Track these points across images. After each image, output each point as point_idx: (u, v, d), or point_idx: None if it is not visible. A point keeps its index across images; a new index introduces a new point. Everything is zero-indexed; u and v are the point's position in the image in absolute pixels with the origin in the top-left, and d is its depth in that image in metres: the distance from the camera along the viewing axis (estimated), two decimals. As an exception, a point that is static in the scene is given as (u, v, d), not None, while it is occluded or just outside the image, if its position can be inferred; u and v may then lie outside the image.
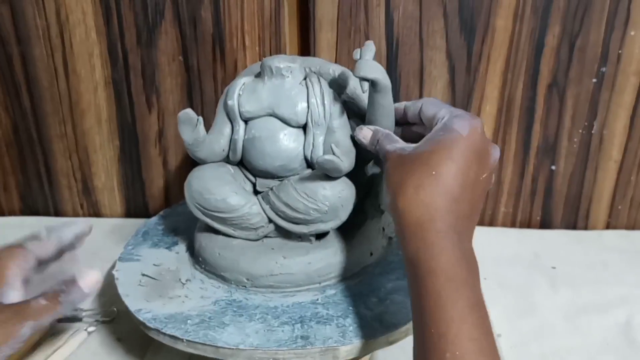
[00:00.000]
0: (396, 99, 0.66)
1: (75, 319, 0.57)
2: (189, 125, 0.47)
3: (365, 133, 0.47)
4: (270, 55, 0.65)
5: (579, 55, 0.64)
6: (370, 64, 0.46)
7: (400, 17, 0.64)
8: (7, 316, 0.43)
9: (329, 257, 0.50)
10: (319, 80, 0.49)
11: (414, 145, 0.43)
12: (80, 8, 0.65)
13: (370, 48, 0.47)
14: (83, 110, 0.71)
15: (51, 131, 0.72)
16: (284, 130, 0.49)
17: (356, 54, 0.47)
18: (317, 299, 0.48)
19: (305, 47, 0.67)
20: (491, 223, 0.73)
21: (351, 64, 0.65)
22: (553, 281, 0.62)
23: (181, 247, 0.55)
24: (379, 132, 0.47)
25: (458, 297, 0.37)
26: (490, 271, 0.63)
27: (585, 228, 0.73)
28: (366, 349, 0.45)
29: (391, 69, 0.66)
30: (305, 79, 0.49)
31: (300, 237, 0.50)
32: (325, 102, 0.49)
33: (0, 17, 0.66)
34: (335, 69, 0.51)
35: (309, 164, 0.50)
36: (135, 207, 0.76)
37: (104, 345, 0.55)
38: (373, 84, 0.46)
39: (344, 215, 0.49)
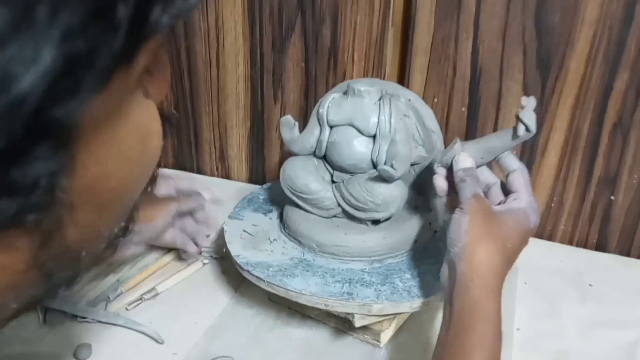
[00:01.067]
0: (475, 119, 0.78)
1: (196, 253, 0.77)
2: (287, 127, 0.64)
3: (464, 160, 0.55)
4: (373, 69, 0.80)
5: (645, 101, 0.71)
6: (534, 116, 0.54)
7: (485, 50, 0.74)
8: (158, 200, 0.63)
9: (379, 239, 0.64)
10: (389, 101, 0.63)
11: (497, 206, 0.55)
12: (233, 18, 0.84)
13: (532, 103, 0.54)
14: (227, 96, 0.90)
15: (201, 108, 0.93)
16: (357, 138, 0.63)
17: (524, 100, 0.54)
18: (365, 269, 0.63)
19: (402, 67, 0.80)
20: (550, 238, 0.82)
21: (438, 85, 0.78)
22: (584, 296, 0.71)
23: (274, 215, 0.73)
24: (473, 170, 0.55)
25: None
26: (532, 278, 0.74)
27: (639, 257, 0.79)
28: (393, 308, 0.58)
29: (473, 93, 0.77)
30: (380, 99, 0.63)
31: (360, 220, 0.65)
32: (392, 119, 0.62)
33: (177, 19, 0.87)
34: (407, 94, 0.65)
35: (374, 165, 0.64)
36: (256, 176, 0.96)
37: (213, 274, 0.74)
38: (527, 129, 0.53)
39: (393, 209, 0.63)
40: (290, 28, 0.82)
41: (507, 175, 0.57)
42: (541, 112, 0.75)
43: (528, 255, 0.77)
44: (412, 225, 0.66)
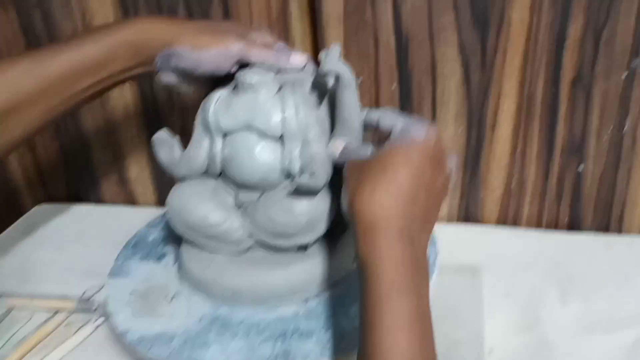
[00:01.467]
0: (408, 96, 0.65)
1: (88, 309, 0.61)
2: (164, 146, 0.49)
3: (335, 147, 0.47)
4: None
5: (606, 48, 0.58)
6: (335, 60, 0.46)
7: (409, 12, 0.61)
8: (227, 31, 0.50)
9: (311, 268, 0.50)
10: (293, 90, 0.48)
11: (369, 153, 0.44)
12: (103, 11, 0.68)
13: (335, 48, 0.47)
14: (113, 107, 0.75)
15: (87, 123, 0.77)
16: (260, 144, 0.49)
17: (322, 54, 0.47)
18: (299, 312, 0.49)
19: (314, 44, 0.66)
20: (514, 223, 0.70)
21: (359, 62, 0.64)
22: (565, 293, 0.59)
23: (169, 260, 0.57)
24: (351, 144, 0.46)
25: (399, 306, 0.36)
26: (502, 277, 0.61)
27: (619, 232, 0.67)
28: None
29: (402, 65, 0.63)
30: (280, 89, 0.49)
31: (281, 250, 0.51)
32: (300, 113, 0.48)
33: (34, 21, 0.71)
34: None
35: (288, 175, 0.50)
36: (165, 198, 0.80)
37: (109, 338, 0.59)
38: (337, 79, 0.46)
39: (321, 228, 0.49)
40: (172, 12, 0.67)
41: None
42: (485, 78, 0.62)
43: (491, 248, 0.67)
44: (346, 242, 0.52)
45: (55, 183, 0.83)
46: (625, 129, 0.62)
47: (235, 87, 0.49)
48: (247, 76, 0.48)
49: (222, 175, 0.52)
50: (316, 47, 0.66)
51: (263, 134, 0.49)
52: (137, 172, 0.79)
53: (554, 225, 0.69)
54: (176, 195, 0.50)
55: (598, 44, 0.58)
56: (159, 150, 0.48)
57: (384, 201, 0.39)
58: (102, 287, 0.63)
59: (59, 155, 0.80)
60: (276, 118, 0.48)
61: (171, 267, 0.55)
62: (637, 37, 0.57)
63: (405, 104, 0.65)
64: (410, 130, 0.42)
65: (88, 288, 0.64)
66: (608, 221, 0.67)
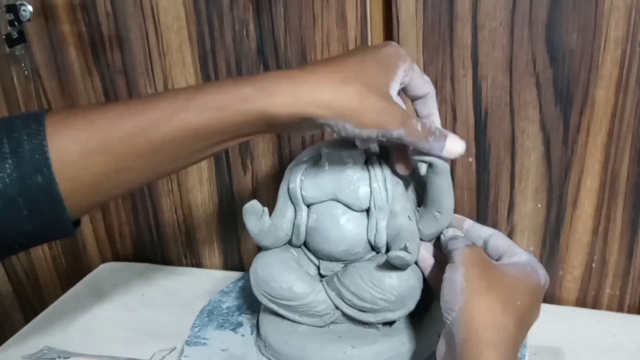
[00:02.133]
0: (486, 171, 0.64)
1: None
2: (254, 216, 0.49)
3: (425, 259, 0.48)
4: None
5: (696, 129, 0.57)
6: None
7: (489, 87, 0.61)
8: (393, 107, 0.42)
9: (398, 346, 0.49)
10: (380, 163, 0.48)
11: (498, 261, 0.45)
12: (185, 79, 0.71)
13: None
14: (187, 171, 0.76)
15: (159, 188, 0.78)
16: (346, 215, 0.48)
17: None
18: (385, 390, 0.47)
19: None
20: (595, 306, 0.67)
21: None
22: (656, 384, 0.55)
23: (246, 329, 0.56)
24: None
25: None
26: (585, 361, 0.58)
27: None
28: None
29: (480, 139, 0.63)
30: (366, 162, 0.49)
31: (368, 324, 0.49)
32: (388, 186, 0.48)
33: (117, 86, 0.74)
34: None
35: (373, 247, 0.49)
36: (231, 261, 0.80)
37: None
38: (431, 166, 0.46)
39: (411, 304, 0.48)
40: (253, 84, 0.68)
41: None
42: (567, 155, 0.61)
43: (573, 330, 0.64)
44: (432, 317, 0.50)
45: (123, 242, 0.84)
46: None
47: (319, 160, 0.50)
48: (336, 149, 0.48)
49: (305, 245, 0.51)
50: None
51: (350, 206, 0.48)
52: (205, 234, 0.79)
53: (636, 309, 0.66)
54: (261, 263, 0.50)
55: (687, 124, 0.57)
56: (248, 219, 0.48)
57: (510, 324, 0.39)
58: (171, 351, 0.63)
59: (129, 214, 0.82)
60: (364, 189, 0.48)
61: (249, 336, 0.54)
62: None
63: (482, 178, 0.65)
64: (538, 269, 0.44)
65: (156, 351, 0.63)
66: (696, 307, 0.64)
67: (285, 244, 0.51)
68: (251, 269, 0.50)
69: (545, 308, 0.67)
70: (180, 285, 0.77)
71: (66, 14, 0.72)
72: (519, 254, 0.45)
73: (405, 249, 0.43)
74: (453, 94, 0.62)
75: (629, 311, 0.66)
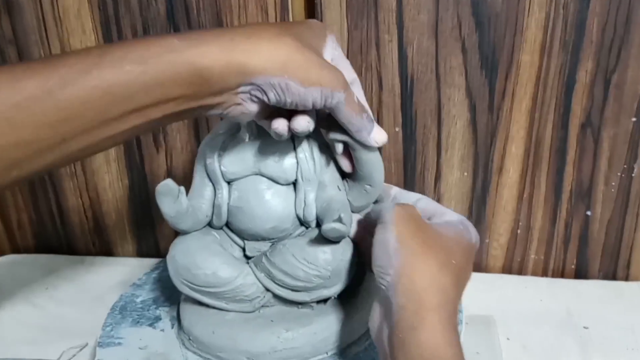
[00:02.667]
0: (412, 140, 0.62)
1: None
2: (170, 197, 0.43)
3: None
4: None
5: (616, 92, 0.58)
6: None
7: (415, 53, 0.59)
8: (333, 66, 0.38)
9: (335, 323, 0.45)
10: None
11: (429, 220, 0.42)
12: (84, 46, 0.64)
13: None
14: (92, 150, 0.69)
15: (61, 170, 0.71)
16: (271, 189, 0.45)
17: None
18: (328, 373, 0.44)
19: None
20: (520, 271, 0.67)
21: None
22: (584, 346, 0.56)
23: (165, 323, 0.50)
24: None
25: None
26: (516, 329, 0.58)
27: (626, 279, 0.66)
28: None
29: (406, 107, 0.61)
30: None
31: (301, 304, 0.46)
32: (315, 156, 0.45)
33: (7, 57, 0.65)
34: None
35: (301, 222, 0.46)
36: (147, 247, 0.74)
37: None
38: (346, 145, 0.43)
39: (347, 278, 0.45)
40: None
41: None
42: (493, 121, 0.61)
43: (502, 297, 0.64)
44: (367, 291, 0.47)
45: (22, 231, 0.76)
46: (634, 173, 0.61)
47: (238, 130, 0.45)
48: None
49: (227, 225, 0.47)
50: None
51: (275, 179, 0.45)
52: (115, 220, 0.73)
53: (560, 273, 0.67)
54: (180, 250, 0.45)
55: (607, 88, 0.57)
56: (162, 201, 0.43)
57: (448, 287, 0.37)
58: (82, 348, 0.57)
59: (28, 201, 0.74)
60: (290, 160, 0.44)
61: (169, 331, 0.49)
62: (647, 82, 0.57)
63: (409, 148, 0.63)
64: (470, 227, 0.42)
65: (65, 350, 0.57)
66: (615, 267, 0.65)
67: (205, 226, 0.47)
68: (168, 257, 0.45)
69: (474, 276, 0.67)
70: (90, 276, 0.71)
71: (-60, -26, 0.62)
72: (448, 214, 0.43)
73: (339, 220, 0.40)
74: (379, 60, 0.60)
75: (553, 275, 0.67)
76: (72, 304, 0.66)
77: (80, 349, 0.57)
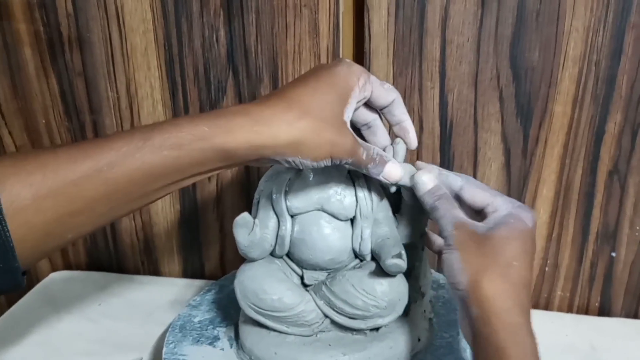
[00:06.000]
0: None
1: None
2: (245, 229, 0.48)
3: (426, 180, 0.47)
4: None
5: (642, 143, 0.62)
6: (423, 178, 0.47)
7: (455, 100, 0.64)
8: (346, 138, 0.43)
9: (386, 350, 0.49)
10: (362, 173, 0.50)
11: (482, 224, 0.44)
12: (149, 83, 0.69)
13: (402, 148, 0.49)
14: (147, 176, 0.74)
15: (117, 194, 0.76)
16: (331, 224, 0.49)
17: (389, 151, 0.49)
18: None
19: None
20: (547, 307, 0.71)
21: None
22: (608, 379, 0.60)
23: (224, 343, 0.54)
24: (440, 189, 0.47)
25: None
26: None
27: (648, 318, 0.69)
28: None
29: (444, 149, 0.66)
30: (349, 172, 0.50)
31: (355, 331, 0.50)
32: (372, 195, 0.49)
33: (75, 88, 0.71)
34: None
35: (357, 255, 0.51)
36: (192, 269, 0.79)
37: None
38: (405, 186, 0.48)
39: (400, 308, 0.49)
40: (221, 90, 0.68)
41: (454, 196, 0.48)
42: (525, 165, 0.65)
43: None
44: (411, 320, 0.52)
45: (76, 249, 0.81)
46: (657, 219, 0.65)
47: (303, 169, 0.50)
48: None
49: (287, 255, 0.52)
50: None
51: (336, 215, 0.49)
52: (164, 242, 0.78)
53: (585, 310, 0.70)
54: (248, 276, 0.49)
55: (634, 139, 0.62)
56: (239, 231, 0.48)
57: (514, 290, 0.41)
58: (140, 362, 0.62)
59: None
60: (350, 199, 0.49)
61: (229, 350, 0.53)
62: (672, 135, 0.61)
63: (446, 187, 0.67)
64: (521, 213, 0.44)
65: (123, 363, 0.62)
66: (637, 306, 0.69)
67: (267, 255, 0.51)
68: (237, 282, 0.50)
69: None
70: (140, 294, 0.75)
71: (22, 13, 0.68)
72: (499, 207, 0.45)
73: (399, 256, 0.45)
74: (421, 105, 0.64)
75: (578, 312, 0.71)
76: (124, 319, 0.70)
77: (137, 362, 0.62)
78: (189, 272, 0.79)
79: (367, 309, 0.47)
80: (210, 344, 0.54)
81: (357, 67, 0.45)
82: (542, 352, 0.62)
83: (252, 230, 0.48)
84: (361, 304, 0.47)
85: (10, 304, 0.73)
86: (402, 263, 0.45)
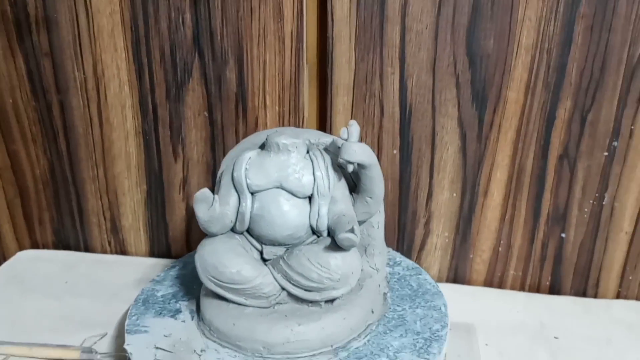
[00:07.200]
0: (408, 161, 0.69)
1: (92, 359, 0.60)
2: (205, 204, 0.50)
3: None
4: (290, 114, 0.69)
5: (591, 129, 0.65)
6: (354, 147, 0.49)
7: (414, 86, 0.66)
8: None
9: (340, 320, 0.52)
10: (321, 153, 0.52)
11: None
12: (115, 64, 0.70)
13: (355, 129, 0.50)
14: (114, 156, 0.75)
15: (84, 174, 0.77)
16: (290, 202, 0.51)
17: (343, 132, 0.50)
18: (332, 363, 0.51)
19: (322, 110, 0.70)
20: (500, 285, 0.74)
21: (364, 127, 0.68)
22: (554, 354, 0.63)
23: (186, 315, 0.56)
24: None
25: None
26: (494, 337, 0.65)
27: (595, 296, 0.73)
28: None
29: (404, 132, 0.68)
30: (308, 152, 0.52)
31: (311, 302, 0.52)
32: (329, 174, 0.51)
33: (42, 68, 0.72)
34: (330, 141, 0.54)
35: (314, 231, 0.53)
36: (158, 247, 0.80)
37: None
38: (359, 165, 0.50)
39: (353, 281, 0.51)
40: (187, 72, 0.69)
41: None
42: (480, 149, 0.68)
43: (483, 308, 0.71)
44: (365, 293, 0.54)
45: (43, 229, 0.82)
46: (604, 201, 0.68)
47: (263, 147, 0.52)
48: (280, 138, 0.51)
49: (247, 231, 0.53)
50: (324, 113, 0.69)
51: (294, 193, 0.51)
52: (131, 221, 0.79)
53: (536, 289, 0.74)
54: (208, 250, 0.51)
55: (583, 125, 0.65)
56: (199, 206, 0.50)
57: None
58: (102, 336, 0.63)
59: (49, 200, 0.80)
60: (308, 177, 0.51)
61: (190, 322, 0.55)
62: (618, 121, 0.64)
63: (405, 169, 0.70)
64: None
65: (87, 337, 0.63)
66: (585, 285, 0.73)
67: (228, 231, 0.53)
68: (197, 256, 0.52)
69: (458, 288, 0.74)
70: (106, 273, 0.76)
71: (-13, -9, 0.69)
72: None
73: (352, 231, 0.47)
74: (381, 90, 0.67)
75: (530, 290, 0.74)
76: (89, 297, 0.71)
77: (101, 337, 0.63)
78: (155, 252, 0.81)
79: (322, 282, 0.50)
80: (172, 316, 0.56)
81: None
82: (494, 328, 0.66)
83: (211, 206, 0.50)
84: (316, 277, 0.50)
85: (-25, 281, 0.74)
86: (355, 237, 0.47)
